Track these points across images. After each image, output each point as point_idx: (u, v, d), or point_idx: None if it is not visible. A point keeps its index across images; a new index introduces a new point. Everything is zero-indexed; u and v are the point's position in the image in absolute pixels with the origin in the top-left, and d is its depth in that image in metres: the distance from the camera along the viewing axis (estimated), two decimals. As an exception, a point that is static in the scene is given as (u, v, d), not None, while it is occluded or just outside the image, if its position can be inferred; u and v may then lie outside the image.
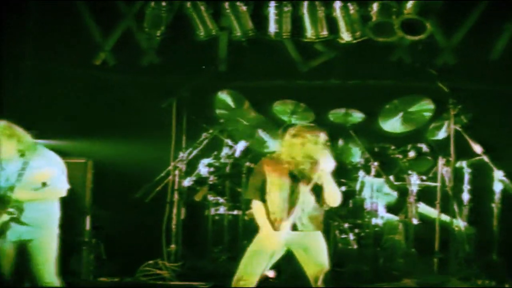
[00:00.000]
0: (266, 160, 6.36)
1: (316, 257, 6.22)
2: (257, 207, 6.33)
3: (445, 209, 8.30)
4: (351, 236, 8.51)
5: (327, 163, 6.09)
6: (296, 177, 6.23)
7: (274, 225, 6.18)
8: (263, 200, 6.29)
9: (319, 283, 6.15)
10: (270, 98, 9.40)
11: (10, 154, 6.33)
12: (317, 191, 6.21)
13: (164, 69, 9.97)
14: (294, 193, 6.21)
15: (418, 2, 9.28)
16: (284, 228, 6.11)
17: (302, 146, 6.20)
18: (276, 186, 6.25)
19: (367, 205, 8.64)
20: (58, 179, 6.47)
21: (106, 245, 8.67)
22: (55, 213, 6.57)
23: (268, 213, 6.23)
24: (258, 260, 6.22)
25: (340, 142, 8.96)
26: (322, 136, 6.28)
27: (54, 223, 6.55)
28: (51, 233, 6.50)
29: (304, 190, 6.16)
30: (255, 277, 6.21)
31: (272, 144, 9.04)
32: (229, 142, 9.00)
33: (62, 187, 6.52)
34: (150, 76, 9.96)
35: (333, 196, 6.23)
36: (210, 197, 8.85)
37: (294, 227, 6.17)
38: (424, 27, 9.32)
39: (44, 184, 6.34)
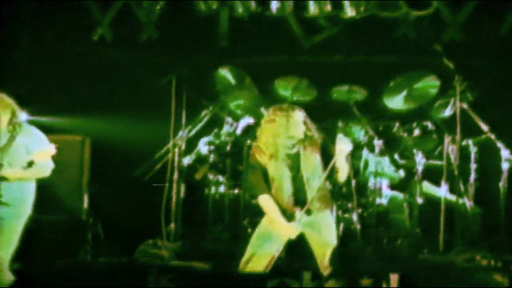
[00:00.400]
0: (256, 150, 6.27)
1: (324, 235, 6.18)
2: (264, 200, 6.25)
3: (450, 189, 8.25)
4: (355, 216, 8.33)
5: (343, 146, 5.99)
6: (291, 163, 6.19)
7: (287, 212, 6.14)
8: (269, 191, 6.22)
9: (326, 261, 6.13)
10: (272, 75, 9.27)
11: (0, 126, 6.25)
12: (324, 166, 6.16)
13: (163, 45, 9.90)
14: (297, 178, 6.16)
15: (423, -24, 9.16)
16: (299, 217, 6.09)
17: (279, 129, 6.13)
18: (276, 173, 6.20)
19: (371, 184, 8.55)
20: (44, 158, 6.40)
21: (104, 225, 8.72)
22: (30, 194, 6.49)
23: (277, 203, 6.17)
24: (269, 243, 6.17)
25: (342, 120, 8.81)
26: (300, 114, 6.19)
27: (28, 204, 6.47)
28: (22, 214, 6.40)
29: (308, 173, 6.12)
30: (265, 260, 6.17)
31: None
32: (229, 119, 8.88)
33: (47, 166, 6.46)
34: (149, 52, 9.88)
35: (344, 174, 6.19)
36: (210, 176, 8.78)
37: (308, 211, 6.15)
38: (430, 2, 9.33)
39: (31, 164, 6.32)
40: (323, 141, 6.26)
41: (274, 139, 6.13)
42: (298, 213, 6.13)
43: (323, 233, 6.20)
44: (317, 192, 6.12)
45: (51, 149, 6.42)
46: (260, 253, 6.14)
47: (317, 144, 6.23)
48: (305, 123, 6.17)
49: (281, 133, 6.11)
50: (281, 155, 6.13)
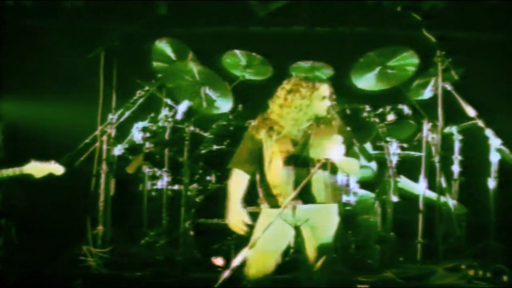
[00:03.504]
0: (259, 123, 5.99)
1: (323, 235, 5.92)
2: (237, 179, 5.97)
3: (431, 185, 8.08)
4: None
5: (333, 152, 5.70)
6: (298, 143, 5.92)
7: (278, 200, 5.84)
8: (251, 173, 5.97)
9: (318, 264, 5.89)
10: (220, 49, 8.98)
11: None
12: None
13: (90, 12, 9.42)
14: (301, 162, 5.87)
15: None
16: (288, 204, 5.74)
17: (303, 103, 5.88)
18: (278, 154, 5.89)
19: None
20: None
21: (18, 227, 8.04)
22: None
23: (269, 188, 5.87)
24: (273, 239, 5.86)
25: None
26: (326, 89, 5.95)
27: None
28: None
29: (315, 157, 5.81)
30: (272, 258, 5.88)
31: (223, 105, 8.58)
32: (168, 101, 8.66)
33: None
34: (73, 21, 9.43)
35: (348, 170, 6.18)
36: (146, 169, 8.50)
37: (305, 200, 5.82)
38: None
39: None
40: (341, 126, 6.00)
41: (294, 113, 5.88)
42: (293, 202, 5.77)
43: (321, 231, 5.92)
44: (319, 178, 5.83)
45: None
46: (264, 252, 5.85)
47: (334, 127, 5.96)
48: (330, 99, 5.96)
49: (303, 107, 5.87)
50: (294, 131, 5.90)
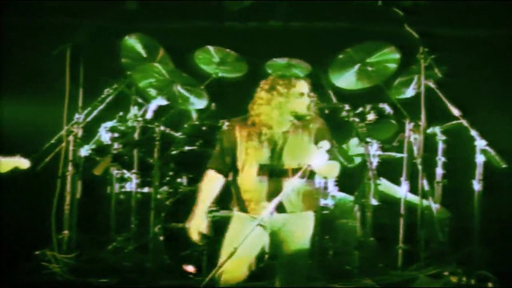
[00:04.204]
0: (237, 124, 5.98)
1: (298, 240, 5.87)
2: (210, 183, 5.93)
3: (412, 187, 8.00)
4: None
5: (315, 160, 5.61)
6: (277, 144, 5.87)
7: (248, 206, 5.86)
8: (225, 174, 5.93)
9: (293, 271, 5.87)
10: (192, 45, 8.86)
11: None
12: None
13: (56, 6, 9.18)
14: (275, 171, 5.83)
15: None
16: (261, 212, 5.64)
17: (281, 100, 5.85)
18: (252, 156, 5.86)
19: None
20: None
21: None
22: None
23: (240, 192, 5.88)
24: (246, 244, 5.68)
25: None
26: (303, 85, 5.93)
27: None
28: None
29: (291, 159, 5.79)
30: (245, 264, 5.78)
31: (197, 103, 8.51)
32: (138, 100, 8.56)
33: None
34: (38, 16, 9.22)
35: (328, 174, 6.32)
36: (114, 171, 8.45)
37: (281, 208, 5.72)
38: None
39: None
40: (320, 128, 5.92)
41: (272, 112, 5.85)
42: (267, 208, 5.63)
43: (295, 238, 5.86)
44: (296, 185, 5.75)
45: None
46: (237, 258, 5.68)
47: (311, 130, 5.91)
48: (309, 97, 5.93)
49: (282, 105, 5.85)
50: (273, 132, 5.85)
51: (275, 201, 5.62)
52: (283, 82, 5.93)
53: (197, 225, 5.79)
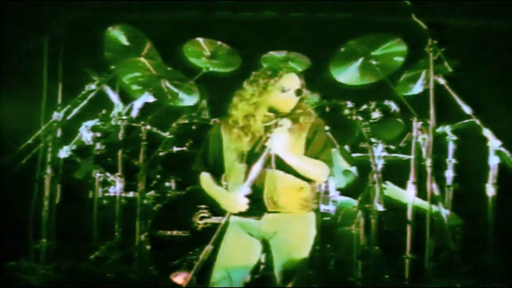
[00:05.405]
0: (223, 123, 5.88)
1: (295, 250, 5.72)
2: (205, 179, 5.86)
3: (421, 192, 7.61)
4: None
5: (273, 144, 5.50)
6: (259, 140, 5.71)
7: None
8: (215, 173, 5.85)
9: (289, 284, 5.68)
10: (180, 37, 8.73)
11: None
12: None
13: None
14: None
15: None
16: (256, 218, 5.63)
17: (254, 90, 5.71)
18: (239, 156, 5.72)
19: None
20: None
21: None
22: None
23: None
24: (241, 253, 5.72)
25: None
26: (291, 79, 5.73)
27: None
28: None
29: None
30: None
31: (186, 100, 8.38)
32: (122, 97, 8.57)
33: None
34: (13, 6, 8.96)
35: (307, 174, 5.67)
36: (96, 174, 8.36)
37: (263, 208, 5.61)
38: None
39: None
40: (314, 124, 5.74)
41: (255, 108, 5.71)
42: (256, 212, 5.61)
43: (291, 247, 5.69)
44: (281, 185, 5.60)
45: None
46: (230, 270, 5.67)
47: (302, 125, 5.72)
48: (300, 92, 5.70)
49: (255, 96, 5.71)
50: (256, 130, 5.71)
51: (262, 198, 5.50)
52: (266, 74, 5.73)
53: (236, 200, 5.55)
